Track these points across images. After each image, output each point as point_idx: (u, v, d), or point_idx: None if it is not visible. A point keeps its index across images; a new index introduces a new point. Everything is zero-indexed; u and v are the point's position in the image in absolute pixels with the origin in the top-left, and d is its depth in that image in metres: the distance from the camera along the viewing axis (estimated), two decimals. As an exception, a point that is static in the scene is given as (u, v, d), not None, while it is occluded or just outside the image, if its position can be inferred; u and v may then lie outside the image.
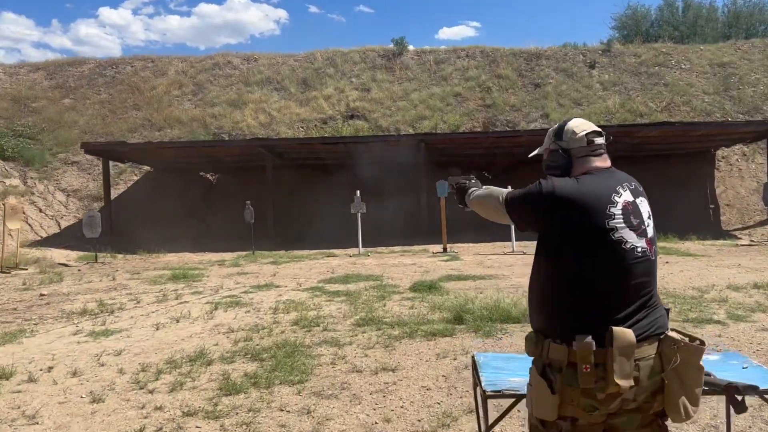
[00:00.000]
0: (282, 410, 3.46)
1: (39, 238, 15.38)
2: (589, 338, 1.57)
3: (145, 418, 3.40)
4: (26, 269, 11.58)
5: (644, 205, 1.74)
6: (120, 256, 13.66)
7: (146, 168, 19.33)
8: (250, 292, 7.94)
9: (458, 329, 5.27)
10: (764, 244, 13.62)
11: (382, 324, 5.59)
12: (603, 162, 1.80)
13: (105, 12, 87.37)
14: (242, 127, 20.63)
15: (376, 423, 3.26)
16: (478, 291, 7.31)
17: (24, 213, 15.17)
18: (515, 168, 17.71)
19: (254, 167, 17.70)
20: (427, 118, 20.50)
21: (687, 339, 1.64)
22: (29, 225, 15.69)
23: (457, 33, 76.56)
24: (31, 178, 17.88)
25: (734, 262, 10.00)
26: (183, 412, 3.45)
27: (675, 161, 17.92)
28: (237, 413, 3.42)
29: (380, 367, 4.23)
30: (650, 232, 1.72)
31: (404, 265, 10.83)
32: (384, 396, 3.68)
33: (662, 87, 21.16)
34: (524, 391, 1.84)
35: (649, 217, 1.74)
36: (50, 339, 5.54)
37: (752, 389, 1.86)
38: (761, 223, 15.91)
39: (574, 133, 1.81)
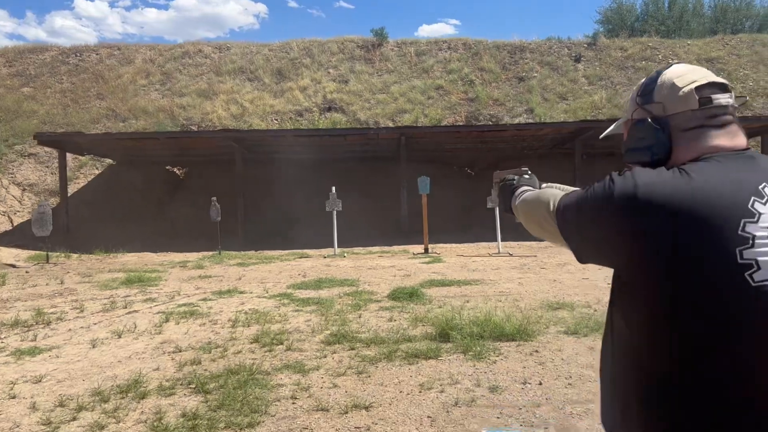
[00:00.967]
0: (220, 473, 2.66)
1: (-12, 236, 14.25)
2: None
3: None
4: (-34, 271, 10.53)
5: None
6: (75, 255, 12.62)
7: (108, 161, 18.18)
8: (210, 300, 7.14)
9: (444, 349, 4.53)
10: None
11: (356, 342, 4.82)
12: (730, 139, 1.03)
13: (81, 4, 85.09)
14: (212, 118, 19.57)
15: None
16: (464, 299, 6.63)
17: (-29, 208, 14.00)
18: (501, 165, 17.05)
19: (224, 161, 16.73)
20: (407, 111, 19.71)
21: None
22: (-23, 221, 14.53)
23: (436, 30, 76.23)
24: (-17, 170, 16.68)
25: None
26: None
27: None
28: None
29: (351, 403, 3.45)
30: None
31: (383, 267, 10.08)
32: (354, 448, 2.90)
33: (649, 82, 20.80)
34: None
35: None
36: (-42, 361, 4.66)
37: None
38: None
39: (674, 87, 1.04)
